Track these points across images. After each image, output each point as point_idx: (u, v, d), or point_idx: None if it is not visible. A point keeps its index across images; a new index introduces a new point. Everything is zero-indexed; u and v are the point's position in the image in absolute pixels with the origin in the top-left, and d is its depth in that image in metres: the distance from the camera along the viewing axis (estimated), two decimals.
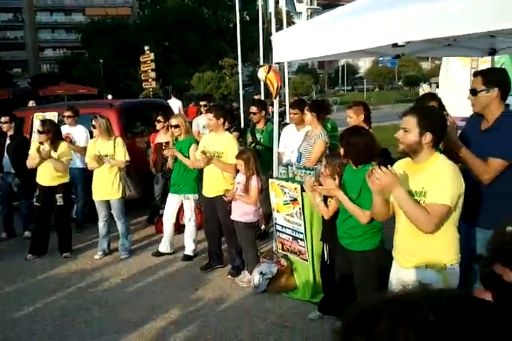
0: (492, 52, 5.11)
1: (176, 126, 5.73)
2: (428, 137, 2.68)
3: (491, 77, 3.22)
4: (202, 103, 7.66)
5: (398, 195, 2.67)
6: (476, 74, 3.32)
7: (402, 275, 2.88)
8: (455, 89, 6.76)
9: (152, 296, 4.82)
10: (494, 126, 3.16)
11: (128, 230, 6.04)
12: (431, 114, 2.79)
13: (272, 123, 5.60)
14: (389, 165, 2.72)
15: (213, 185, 5.34)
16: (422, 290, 0.62)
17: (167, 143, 6.16)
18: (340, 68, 50.07)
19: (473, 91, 3.23)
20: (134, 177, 6.09)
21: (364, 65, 53.89)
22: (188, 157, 5.63)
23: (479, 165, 3.13)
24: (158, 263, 5.69)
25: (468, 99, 3.26)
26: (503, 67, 7.24)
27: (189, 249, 5.80)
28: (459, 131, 3.50)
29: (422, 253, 2.77)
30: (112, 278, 5.34)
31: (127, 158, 5.88)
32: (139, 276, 5.34)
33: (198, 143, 5.72)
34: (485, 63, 5.33)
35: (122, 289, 5.04)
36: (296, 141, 5.59)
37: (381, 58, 31.30)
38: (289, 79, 11.54)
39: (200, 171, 5.60)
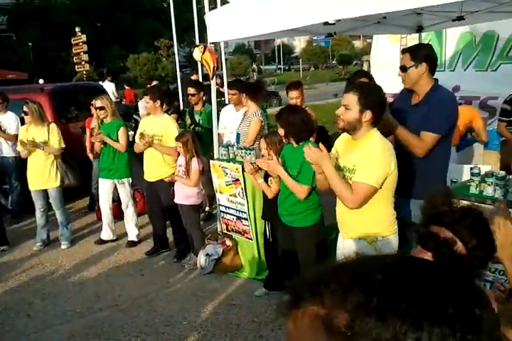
0: (419, 29, 5.29)
1: (102, 108, 5.53)
2: (368, 115, 2.73)
3: (418, 53, 3.31)
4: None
5: (326, 171, 2.75)
6: (404, 51, 3.40)
7: (345, 245, 2.99)
8: (386, 66, 6.93)
9: (96, 285, 4.74)
10: (424, 100, 3.28)
11: (68, 219, 5.86)
12: (372, 93, 2.81)
13: (210, 104, 5.56)
14: (320, 145, 2.81)
15: (154, 169, 5.26)
16: (364, 256, 0.65)
17: (93, 128, 5.98)
18: (276, 48, 50.14)
19: (403, 68, 3.32)
20: (71, 164, 5.89)
21: (299, 44, 54.25)
22: (117, 140, 5.51)
23: (413, 140, 3.23)
24: (102, 251, 5.59)
25: (398, 76, 3.36)
26: (430, 43, 7.51)
27: (132, 234, 5.72)
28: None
29: (356, 226, 2.90)
30: (54, 269, 5.19)
31: (62, 145, 5.67)
32: (81, 266, 5.22)
33: (126, 125, 5.61)
34: (413, 40, 5.50)
35: (65, 280, 4.91)
36: (235, 121, 5.59)
37: (315, 37, 31.54)
38: (226, 59, 11.44)
39: (132, 154, 5.50)
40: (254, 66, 41.48)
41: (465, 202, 2.83)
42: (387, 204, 2.87)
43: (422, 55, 3.31)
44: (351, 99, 2.75)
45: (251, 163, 4.19)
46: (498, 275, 2.70)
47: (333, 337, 0.54)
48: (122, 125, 5.59)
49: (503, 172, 2.97)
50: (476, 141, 5.49)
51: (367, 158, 2.73)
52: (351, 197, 2.73)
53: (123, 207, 5.72)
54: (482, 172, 3.00)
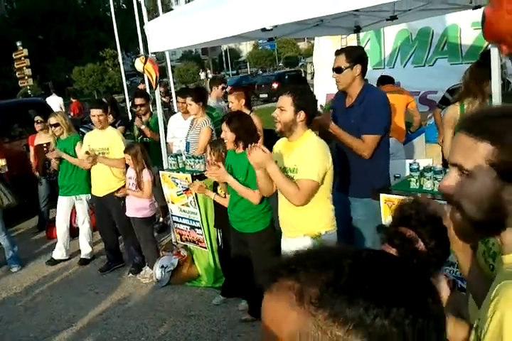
0: (357, 30, 5.40)
1: (56, 125, 5.41)
2: (302, 115, 2.87)
3: (353, 55, 3.38)
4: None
5: (270, 171, 2.82)
6: (338, 52, 3.45)
7: (289, 245, 3.04)
8: (328, 66, 7.04)
9: (49, 307, 4.58)
10: (357, 101, 3.35)
11: (12, 242, 5.59)
12: (304, 94, 2.95)
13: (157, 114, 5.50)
14: (261, 144, 2.91)
15: (103, 183, 5.15)
16: (337, 246, 0.77)
17: (48, 144, 5.81)
18: (223, 53, 50.21)
19: (339, 69, 3.37)
20: (7, 183, 5.67)
21: (246, 48, 54.52)
22: (75, 156, 5.36)
23: (355, 143, 3.31)
24: (54, 271, 5.41)
25: (333, 78, 3.41)
26: (369, 43, 7.71)
27: (85, 252, 5.57)
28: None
29: (300, 224, 2.99)
30: (3, 293, 4.98)
31: (3, 163, 5.48)
32: (33, 288, 5.04)
33: (82, 139, 5.47)
34: (353, 40, 5.62)
35: (16, 304, 4.73)
36: (184, 130, 5.55)
37: (260, 41, 31.81)
38: (173, 67, 11.35)
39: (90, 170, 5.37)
40: (208, 71, 41.33)
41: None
42: (327, 200, 2.99)
43: (357, 56, 3.39)
44: (286, 100, 2.89)
45: (197, 177, 4.21)
46: (444, 266, 2.78)
47: (302, 307, 0.62)
48: (79, 140, 5.45)
49: (440, 167, 3.06)
50: (416, 136, 5.67)
51: (306, 156, 2.86)
52: (297, 193, 2.81)
53: (79, 223, 5.55)
54: (421, 168, 3.08)
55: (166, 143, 5.44)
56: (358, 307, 0.59)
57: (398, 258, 0.76)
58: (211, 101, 6.42)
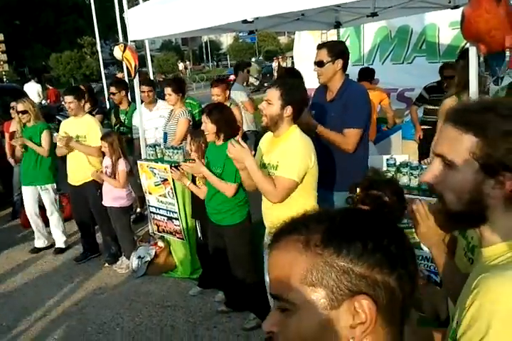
0: (337, 25, 5.44)
1: (24, 112, 5.28)
2: (289, 110, 2.80)
3: (335, 49, 3.40)
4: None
5: (249, 167, 2.80)
6: (320, 46, 3.47)
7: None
8: (308, 61, 7.08)
9: (23, 296, 4.54)
10: (338, 95, 3.39)
11: None
12: (293, 89, 2.87)
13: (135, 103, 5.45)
14: (240, 140, 2.87)
15: (79, 172, 5.10)
16: (327, 209, 0.91)
17: (14, 131, 5.70)
18: (203, 44, 49.77)
19: (320, 63, 3.40)
20: None
21: (226, 40, 54.16)
22: (40, 144, 5.28)
23: (338, 138, 3.33)
24: (28, 260, 5.35)
25: (314, 71, 3.44)
26: (349, 39, 7.76)
27: (59, 241, 5.51)
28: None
29: (279, 220, 2.92)
30: None
31: None
32: (6, 276, 4.98)
33: (49, 128, 5.39)
34: (333, 36, 5.65)
35: None
36: (153, 120, 5.57)
37: (241, 34, 31.68)
38: (152, 56, 11.22)
39: (56, 159, 5.31)
40: (187, 63, 40.98)
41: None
42: (309, 197, 2.95)
43: (338, 51, 3.41)
44: (273, 94, 2.82)
45: (174, 167, 4.18)
46: (419, 261, 2.85)
47: (309, 250, 0.78)
48: (46, 128, 5.35)
49: (416, 162, 3.13)
50: (393, 133, 5.75)
51: (288, 154, 2.81)
52: (273, 191, 2.79)
53: (48, 213, 5.47)
54: (397, 163, 3.14)
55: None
56: (354, 241, 0.77)
57: (373, 211, 1.02)
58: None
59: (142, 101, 5.61)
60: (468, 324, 0.97)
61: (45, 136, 5.28)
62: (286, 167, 2.79)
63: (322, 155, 3.45)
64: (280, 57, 21.37)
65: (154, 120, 5.60)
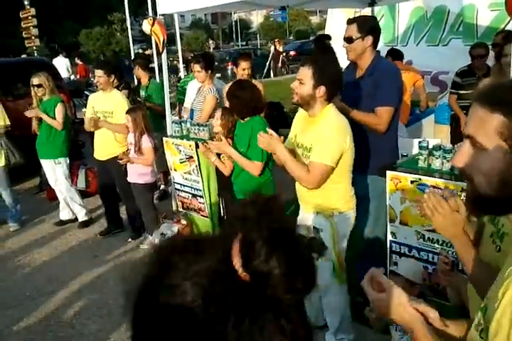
0: (372, 3, 5.25)
1: (39, 86, 5.28)
2: (322, 90, 2.67)
3: (365, 25, 3.24)
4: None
5: (280, 155, 2.73)
6: (350, 21, 3.32)
7: (303, 218, 2.96)
8: (341, 40, 6.94)
9: (48, 268, 4.61)
10: (367, 72, 3.26)
11: (16, 200, 5.63)
12: (327, 68, 2.71)
13: (155, 79, 5.41)
14: (269, 129, 2.80)
15: (105, 147, 5.10)
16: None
17: (30, 104, 5.73)
18: (233, 23, 49.21)
19: (349, 39, 3.26)
20: (16, 141, 5.63)
21: (256, 19, 53.43)
22: (54, 117, 5.29)
23: (371, 119, 3.21)
24: (53, 233, 5.42)
25: (343, 47, 3.31)
26: (383, 19, 7.53)
27: (80, 215, 5.58)
28: None
29: (314, 202, 2.87)
30: (2, 252, 5.01)
31: (7, 122, 5.43)
32: (31, 248, 5.06)
33: (63, 102, 5.38)
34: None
35: (14, 263, 4.75)
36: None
37: (272, 12, 31.16)
38: (181, 34, 11.15)
39: (69, 133, 5.37)
40: (211, 42, 40.69)
41: (416, 176, 2.87)
42: (345, 181, 2.85)
43: (369, 27, 3.26)
44: (306, 73, 2.69)
45: (203, 143, 4.12)
46: (445, 247, 2.76)
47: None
48: (60, 101, 5.35)
49: (450, 146, 3.00)
50: (426, 116, 5.59)
51: (322, 137, 2.69)
52: (307, 177, 2.70)
53: (62, 189, 5.50)
54: (430, 146, 3.02)
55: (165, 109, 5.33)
56: None
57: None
58: None
59: (172, 76, 5.56)
60: (502, 313, 0.92)
61: (59, 109, 5.28)
62: (320, 151, 2.68)
63: (355, 138, 3.33)
64: (276, 40, 20.50)
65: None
